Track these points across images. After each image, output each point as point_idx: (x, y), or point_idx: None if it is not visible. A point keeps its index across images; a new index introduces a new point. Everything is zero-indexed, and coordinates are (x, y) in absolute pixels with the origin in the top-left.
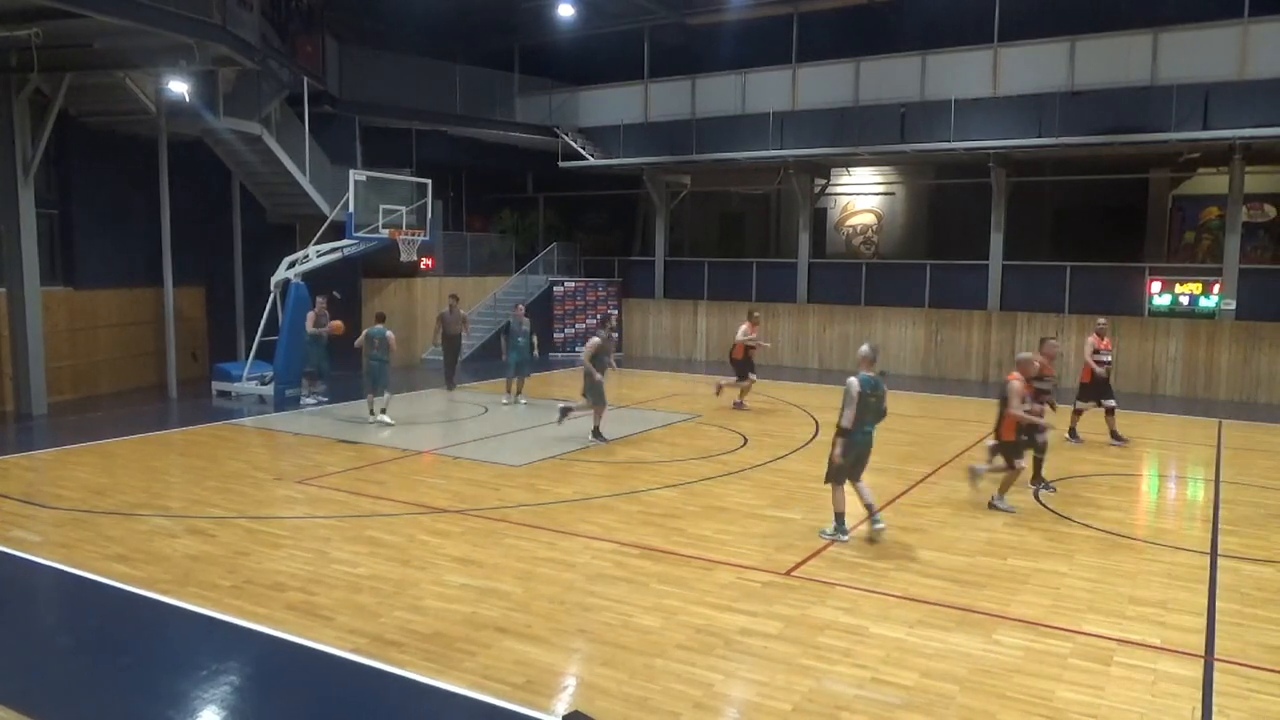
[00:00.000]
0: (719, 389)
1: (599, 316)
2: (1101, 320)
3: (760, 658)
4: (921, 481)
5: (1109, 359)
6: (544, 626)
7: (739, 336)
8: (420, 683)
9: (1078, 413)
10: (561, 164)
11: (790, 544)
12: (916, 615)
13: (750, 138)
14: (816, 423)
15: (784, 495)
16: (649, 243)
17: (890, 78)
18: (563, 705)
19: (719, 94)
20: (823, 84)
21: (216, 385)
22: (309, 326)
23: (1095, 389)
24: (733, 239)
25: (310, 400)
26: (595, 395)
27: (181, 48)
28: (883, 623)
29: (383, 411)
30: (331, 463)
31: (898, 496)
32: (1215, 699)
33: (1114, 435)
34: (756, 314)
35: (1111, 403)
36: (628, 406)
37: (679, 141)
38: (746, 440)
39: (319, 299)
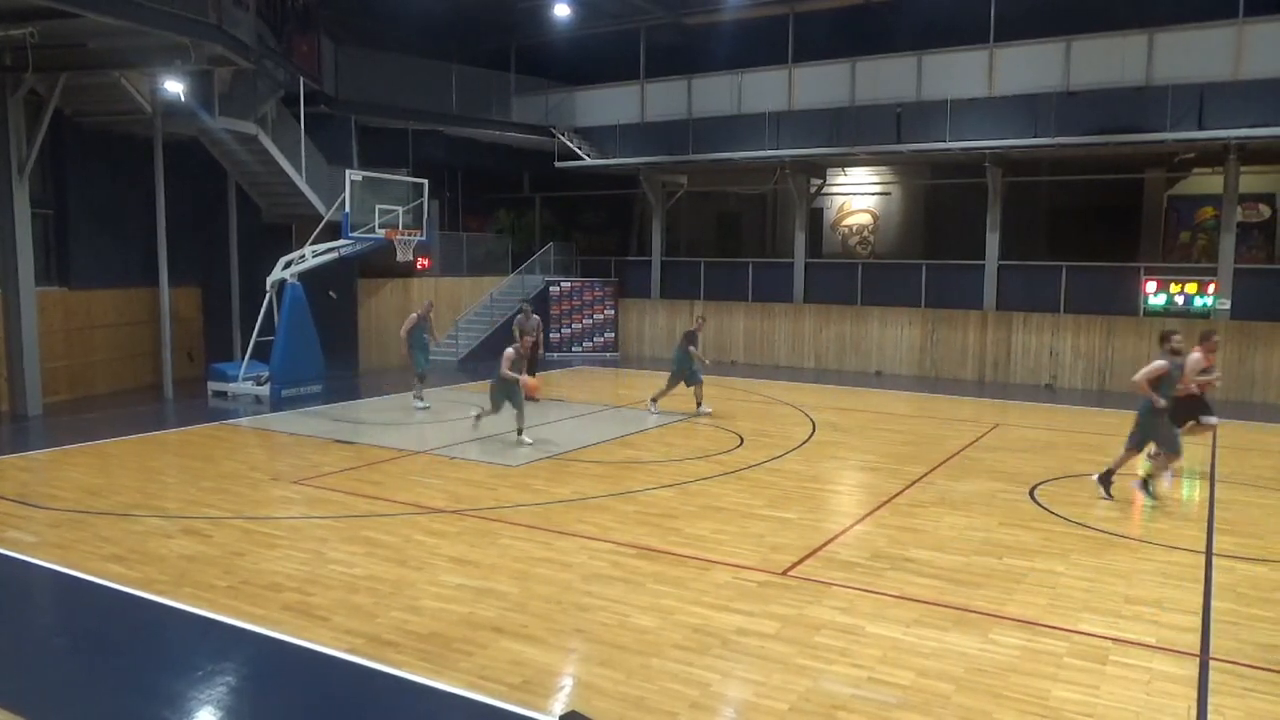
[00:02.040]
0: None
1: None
2: None
3: (757, 657)
4: (918, 481)
5: None
6: (541, 626)
7: (1189, 371)
8: (417, 683)
9: None
10: (558, 164)
11: (787, 544)
12: (913, 615)
13: (746, 138)
14: (813, 423)
15: (780, 495)
16: (645, 242)
17: (886, 78)
18: (560, 705)
19: (715, 94)
20: (819, 84)
21: (212, 385)
22: (407, 330)
23: None
24: (729, 239)
25: (423, 404)
26: (1164, 439)
27: (177, 47)
28: (879, 622)
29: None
30: (328, 463)
31: (894, 496)
32: (1211, 698)
33: None
34: (1216, 336)
35: None
36: (624, 406)
37: (675, 141)
38: (743, 440)
39: (428, 300)
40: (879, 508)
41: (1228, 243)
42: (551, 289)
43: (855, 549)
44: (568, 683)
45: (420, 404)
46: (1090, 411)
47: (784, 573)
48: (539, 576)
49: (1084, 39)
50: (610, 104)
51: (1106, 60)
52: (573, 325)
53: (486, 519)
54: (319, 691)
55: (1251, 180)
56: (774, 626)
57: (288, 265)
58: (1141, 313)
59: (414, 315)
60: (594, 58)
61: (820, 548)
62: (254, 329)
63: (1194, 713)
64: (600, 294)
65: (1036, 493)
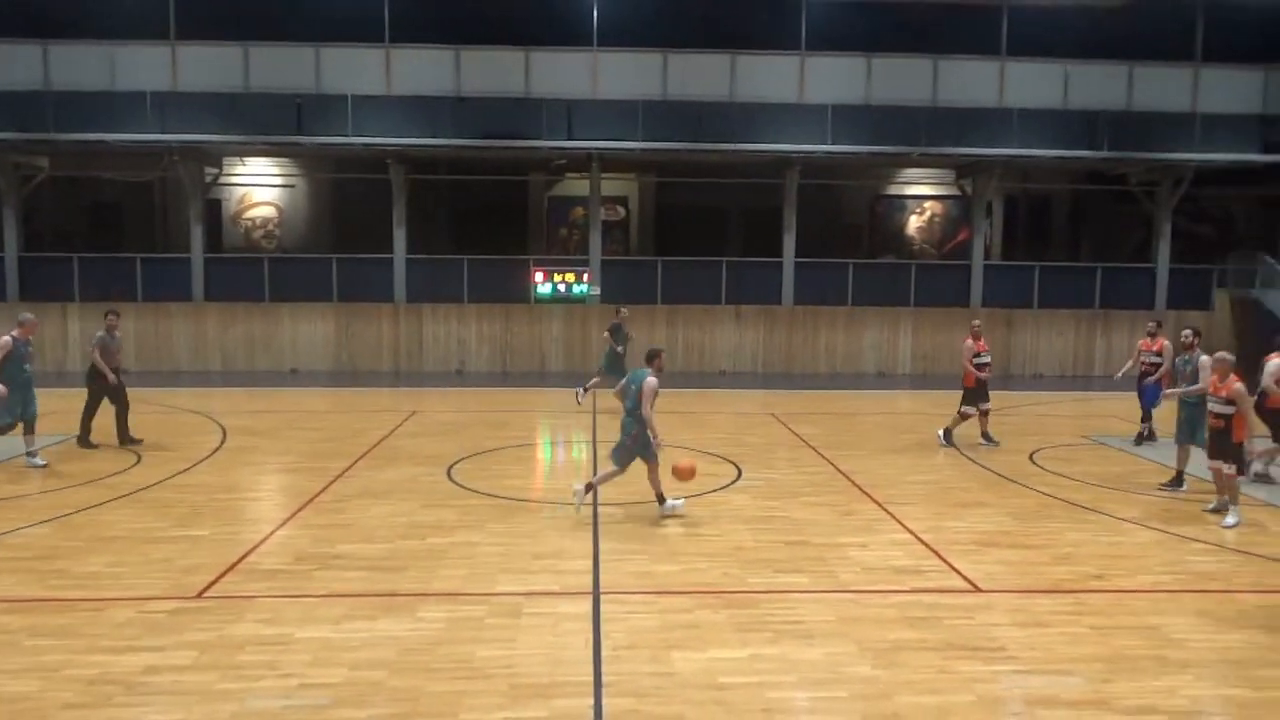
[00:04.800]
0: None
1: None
2: (976, 321)
3: (172, 694)
4: (341, 476)
5: (988, 360)
6: None
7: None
8: None
9: (964, 417)
10: None
11: (200, 564)
12: (341, 611)
13: (124, 118)
14: (224, 429)
15: (189, 512)
16: None
17: (283, 65)
18: None
19: (82, 65)
20: (209, 66)
21: None
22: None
23: (979, 392)
24: (109, 231)
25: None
26: None
27: None
28: (307, 625)
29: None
30: None
31: (317, 494)
32: (603, 626)
33: (986, 436)
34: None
35: (988, 406)
36: None
37: (31, 117)
38: (140, 458)
39: (26, 315)
40: (302, 508)
41: (595, 238)
42: None
43: (278, 555)
44: None
45: (36, 461)
46: (496, 391)
47: (199, 595)
48: None
49: (473, 50)
50: None
51: (492, 71)
52: None
53: None
54: None
55: (611, 185)
56: (190, 656)
57: None
58: (533, 300)
59: (6, 339)
60: None
61: (239, 561)
62: None
63: (590, 641)
64: None
65: (453, 471)
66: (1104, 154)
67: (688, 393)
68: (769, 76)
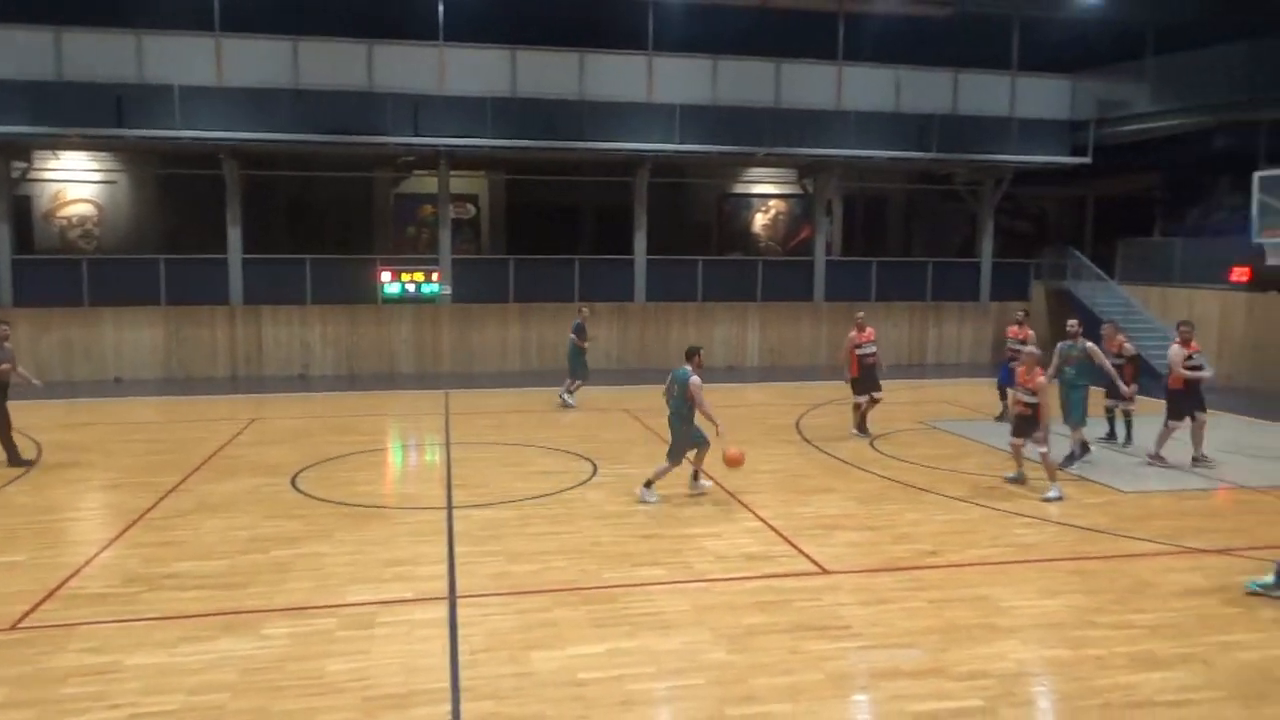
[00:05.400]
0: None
1: None
2: (859, 313)
3: None
4: (174, 490)
5: (871, 350)
6: None
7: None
8: None
9: (858, 407)
10: None
11: (14, 591)
12: (178, 633)
13: None
14: (39, 445)
15: (2, 537)
16: None
17: (101, 52)
18: None
19: None
20: (16, 51)
21: None
22: None
23: (864, 381)
24: None
25: None
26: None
27: None
28: (138, 651)
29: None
30: None
31: (147, 511)
32: (461, 630)
33: (860, 427)
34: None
35: (879, 395)
36: None
37: None
38: None
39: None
40: (130, 527)
41: (445, 236)
42: None
43: (104, 578)
44: None
45: None
46: (341, 395)
47: (14, 626)
48: None
49: (311, 40)
50: None
51: (333, 64)
52: None
53: None
54: None
55: (460, 183)
56: (4, 693)
57: None
58: (380, 301)
59: None
60: None
61: (60, 586)
62: None
63: (447, 647)
64: None
65: (298, 480)
66: (933, 155)
67: (541, 391)
68: (618, 76)
